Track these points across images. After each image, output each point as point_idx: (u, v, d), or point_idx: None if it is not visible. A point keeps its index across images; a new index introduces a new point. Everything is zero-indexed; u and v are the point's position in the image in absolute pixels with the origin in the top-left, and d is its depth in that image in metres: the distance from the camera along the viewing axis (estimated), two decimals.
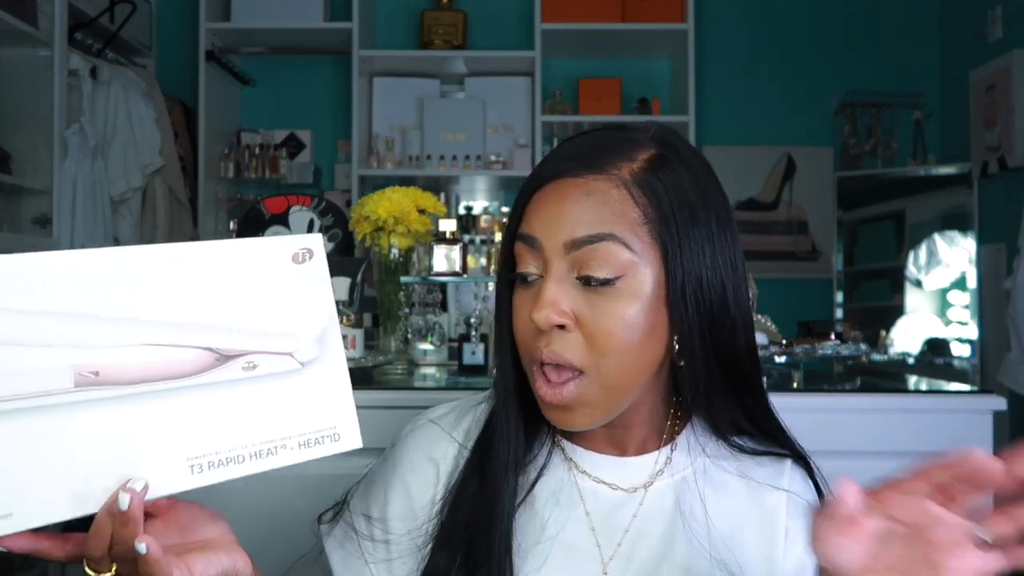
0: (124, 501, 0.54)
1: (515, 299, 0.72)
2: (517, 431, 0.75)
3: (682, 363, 0.70)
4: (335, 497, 0.82)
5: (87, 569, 0.57)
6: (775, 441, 0.77)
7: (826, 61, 3.59)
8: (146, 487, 0.55)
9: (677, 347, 0.70)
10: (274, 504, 1.02)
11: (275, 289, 0.62)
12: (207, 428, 0.58)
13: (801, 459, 0.77)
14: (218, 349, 0.59)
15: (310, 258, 0.63)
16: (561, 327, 0.68)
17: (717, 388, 0.73)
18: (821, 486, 0.78)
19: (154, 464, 0.56)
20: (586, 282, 0.68)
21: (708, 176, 0.72)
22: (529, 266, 0.71)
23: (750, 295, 0.77)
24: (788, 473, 0.76)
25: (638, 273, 0.68)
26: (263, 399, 0.60)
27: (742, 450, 0.76)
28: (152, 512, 0.61)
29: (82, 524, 0.57)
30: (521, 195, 0.73)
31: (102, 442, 0.55)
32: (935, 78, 3.58)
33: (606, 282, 0.67)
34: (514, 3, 3.61)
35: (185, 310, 0.58)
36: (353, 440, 0.64)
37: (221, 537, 0.63)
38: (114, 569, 0.57)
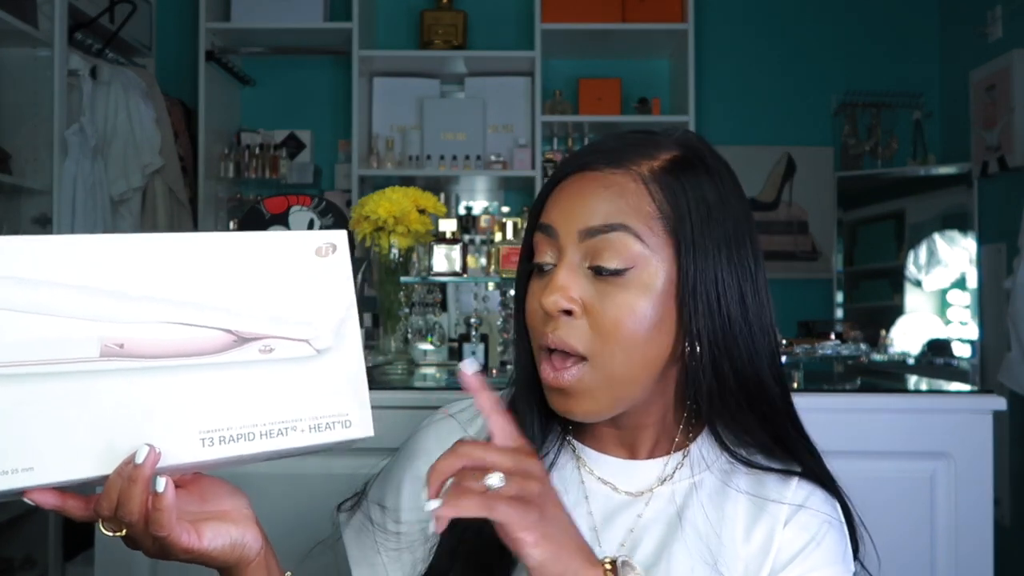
0: (141, 454, 0.57)
1: (529, 287, 0.74)
2: (531, 422, 0.76)
3: (692, 363, 0.71)
4: (356, 490, 0.86)
5: (102, 528, 0.61)
6: (792, 458, 0.76)
7: (826, 61, 3.59)
8: (160, 453, 0.58)
9: (688, 348, 0.70)
10: (299, 495, 1.07)
11: (296, 279, 0.65)
12: (221, 404, 0.61)
13: (816, 477, 0.75)
14: (236, 331, 0.62)
15: (333, 252, 0.67)
16: (568, 313, 0.69)
17: (731, 398, 0.72)
18: (850, 508, 0.77)
19: (168, 434, 0.60)
20: (597, 271, 0.69)
21: (731, 185, 0.74)
22: (546, 255, 0.73)
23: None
24: (794, 489, 0.74)
25: (649, 266, 0.69)
26: (277, 382, 0.63)
27: (752, 464, 0.75)
28: (177, 483, 0.64)
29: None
30: (544, 188, 0.76)
31: (121, 409, 0.59)
32: (935, 78, 3.58)
33: (616, 272, 0.69)
34: (514, 3, 3.60)
35: (208, 294, 0.62)
36: (364, 428, 0.66)
37: (236, 511, 0.67)
38: (125, 530, 0.60)
